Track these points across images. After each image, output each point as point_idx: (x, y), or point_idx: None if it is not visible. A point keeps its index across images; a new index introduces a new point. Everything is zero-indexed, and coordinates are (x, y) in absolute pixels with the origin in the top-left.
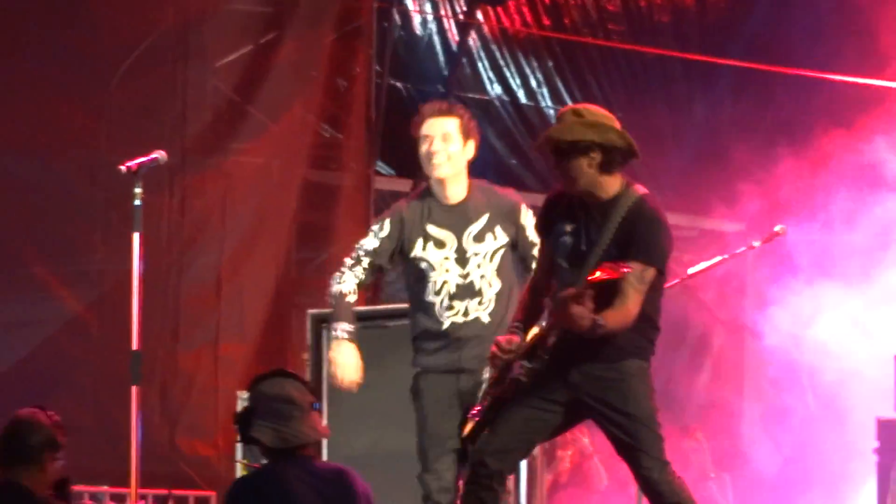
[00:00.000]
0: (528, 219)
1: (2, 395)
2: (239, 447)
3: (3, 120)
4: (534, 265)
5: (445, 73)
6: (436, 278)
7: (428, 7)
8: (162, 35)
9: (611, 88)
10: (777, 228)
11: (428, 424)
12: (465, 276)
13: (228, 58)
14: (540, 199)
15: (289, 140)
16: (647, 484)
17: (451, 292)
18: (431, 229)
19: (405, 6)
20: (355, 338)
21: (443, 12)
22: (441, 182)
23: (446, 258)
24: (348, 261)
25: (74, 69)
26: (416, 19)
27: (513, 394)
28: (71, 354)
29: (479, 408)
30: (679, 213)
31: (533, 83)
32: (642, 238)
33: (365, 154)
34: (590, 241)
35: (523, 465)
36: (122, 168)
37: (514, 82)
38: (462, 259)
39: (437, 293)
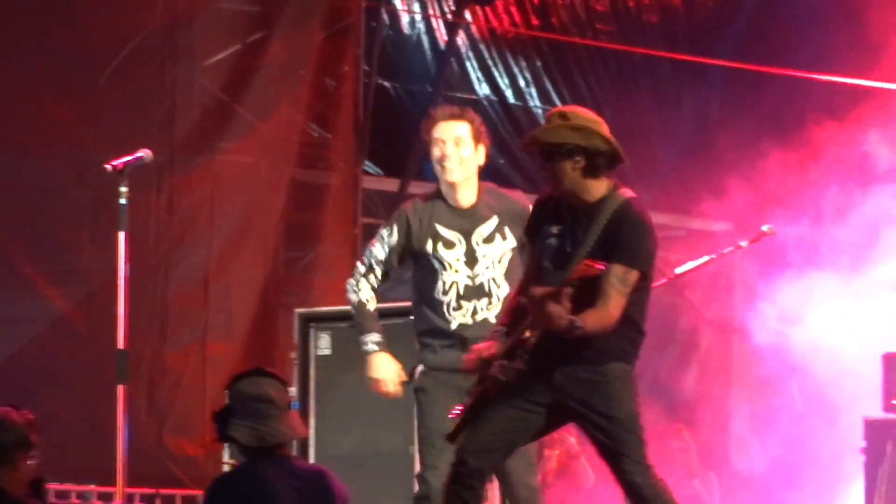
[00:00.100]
0: None
1: None
2: (226, 447)
3: None
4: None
5: (434, 72)
6: (445, 278)
7: (416, 6)
8: (150, 34)
9: (599, 88)
10: (765, 228)
11: (431, 422)
12: (473, 278)
13: (216, 57)
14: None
15: (277, 139)
16: (629, 488)
17: (460, 292)
18: (441, 230)
19: (393, 5)
20: (386, 346)
21: (431, 12)
22: (453, 186)
23: (457, 259)
24: (361, 268)
25: (62, 68)
26: (405, 19)
27: (493, 393)
28: (58, 353)
29: (461, 407)
30: (667, 213)
31: (521, 83)
32: (626, 240)
33: (353, 153)
34: (575, 244)
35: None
36: (108, 167)
37: (503, 82)
38: (471, 260)
39: (446, 293)
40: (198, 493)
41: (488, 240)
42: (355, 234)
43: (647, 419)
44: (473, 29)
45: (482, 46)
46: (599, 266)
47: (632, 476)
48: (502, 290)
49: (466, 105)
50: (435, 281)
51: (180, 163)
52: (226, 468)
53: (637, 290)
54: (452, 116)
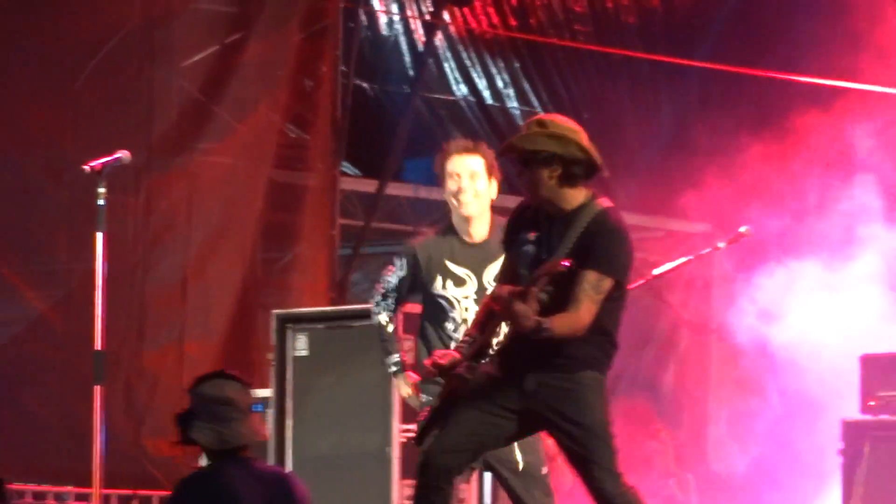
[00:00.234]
0: None
1: None
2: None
3: None
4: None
5: (412, 73)
6: (455, 315)
7: (394, 7)
8: (127, 35)
9: (577, 89)
10: (742, 229)
11: None
12: None
13: (194, 58)
14: (506, 200)
15: (254, 140)
16: (599, 496)
17: None
18: (452, 266)
19: (371, 6)
20: (404, 367)
21: (409, 13)
22: (467, 220)
23: (466, 296)
24: (378, 293)
25: (40, 69)
26: (383, 20)
27: (459, 393)
28: (36, 354)
29: (427, 410)
30: (646, 214)
31: (499, 84)
32: (602, 248)
33: (330, 154)
34: (550, 251)
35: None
36: (86, 168)
37: (480, 83)
38: (482, 298)
39: (456, 330)
40: None
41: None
42: (333, 235)
43: (625, 420)
44: (451, 30)
45: (460, 47)
46: (565, 262)
47: (602, 484)
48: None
49: (444, 106)
50: (445, 319)
51: (158, 164)
52: None
53: (611, 299)
54: (466, 150)
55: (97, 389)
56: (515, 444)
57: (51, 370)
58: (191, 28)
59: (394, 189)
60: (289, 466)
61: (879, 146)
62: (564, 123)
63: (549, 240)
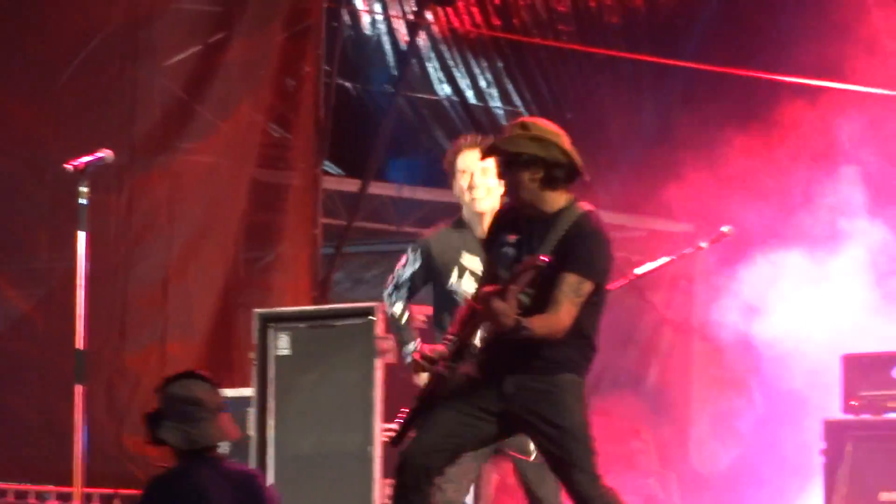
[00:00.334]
0: None
1: None
2: None
3: None
4: None
5: (395, 73)
6: None
7: (377, 7)
8: (110, 34)
9: (560, 89)
10: (724, 229)
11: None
12: None
13: (177, 57)
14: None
15: (237, 139)
16: (578, 498)
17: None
18: (467, 260)
19: (354, 6)
20: None
21: (392, 12)
22: (480, 216)
23: None
24: (392, 284)
25: (22, 68)
26: (366, 19)
27: (439, 393)
28: (18, 353)
29: (406, 410)
30: (628, 213)
31: (482, 84)
32: (582, 252)
33: (313, 154)
34: (531, 254)
35: None
36: (69, 167)
37: (464, 82)
38: None
39: None
40: None
41: None
42: (315, 234)
43: (607, 420)
44: (434, 29)
45: (443, 47)
46: (544, 258)
47: (581, 486)
48: None
49: (427, 106)
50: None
51: (141, 163)
52: None
53: (590, 302)
54: (477, 146)
55: (78, 389)
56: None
57: (33, 369)
58: (173, 27)
59: (376, 188)
60: (270, 466)
61: (864, 140)
62: (547, 127)
63: (529, 242)
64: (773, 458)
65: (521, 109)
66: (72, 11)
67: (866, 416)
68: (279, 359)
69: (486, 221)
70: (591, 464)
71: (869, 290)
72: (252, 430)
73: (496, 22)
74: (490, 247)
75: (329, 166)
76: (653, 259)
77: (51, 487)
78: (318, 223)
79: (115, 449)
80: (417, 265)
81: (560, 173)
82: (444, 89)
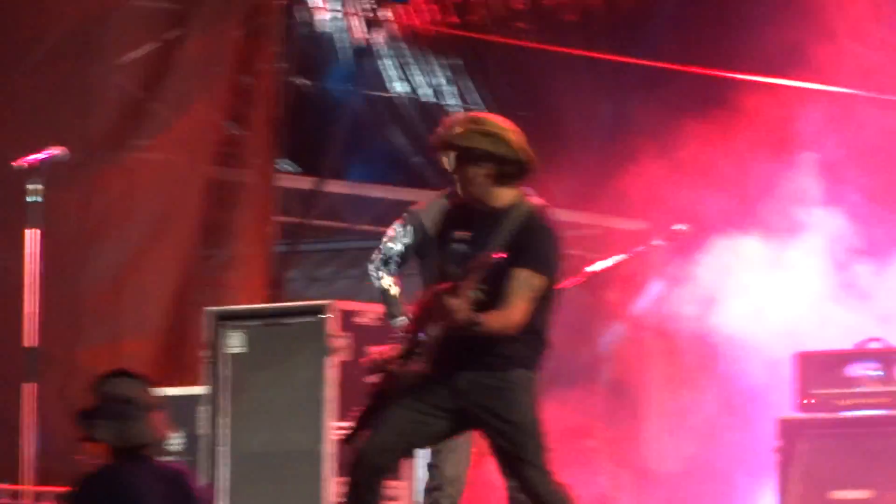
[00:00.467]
0: None
1: None
2: None
3: None
4: None
5: (351, 70)
6: None
7: (334, 4)
8: (65, 31)
9: (517, 87)
10: (678, 227)
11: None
12: None
13: (133, 54)
14: None
15: (192, 137)
16: (530, 494)
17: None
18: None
19: (311, 3)
20: None
21: (349, 9)
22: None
23: None
24: (379, 258)
25: None
26: (323, 16)
27: (392, 392)
28: None
29: (360, 409)
30: (584, 212)
31: (439, 81)
32: (533, 247)
33: (269, 151)
34: (482, 249)
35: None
36: (23, 164)
37: (420, 80)
38: None
39: None
40: None
41: None
42: (270, 232)
43: (560, 417)
44: (391, 27)
45: (400, 44)
46: (497, 256)
47: (532, 482)
48: None
49: (383, 103)
50: None
51: (96, 160)
52: None
53: (542, 297)
54: None
55: (29, 387)
56: None
57: None
58: (129, 24)
59: (332, 186)
60: (222, 463)
61: (824, 128)
62: (499, 122)
63: (480, 238)
64: (727, 456)
65: (478, 107)
66: (26, 9)
67: (820, 415)
68: (233, 356)
69: None
70: (542, 459)
71: (827, 282)
72: (204, 428)
73: (453, 19)
74: (440, 242)
75: (285, 164)
76: (608, 257)
77: (3, 486)
78: (273, 221)
79: (68, 446)
80: (410, 239)
81: (511, 169)
82: (401, 87)
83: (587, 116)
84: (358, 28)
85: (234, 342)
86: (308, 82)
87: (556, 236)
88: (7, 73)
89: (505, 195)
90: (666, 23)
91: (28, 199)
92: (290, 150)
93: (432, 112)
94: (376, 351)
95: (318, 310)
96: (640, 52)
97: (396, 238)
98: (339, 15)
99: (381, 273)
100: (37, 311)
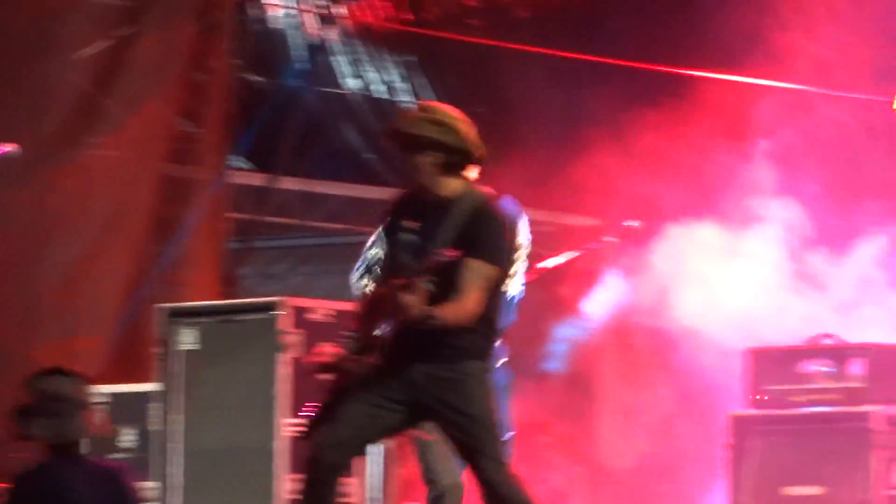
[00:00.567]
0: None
1: None
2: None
3: None
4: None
5: (305, 66)
6: None
7: (288, 0)
8: (19, 27)
9: (470, 83)
10: (630, 223)
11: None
12: None
13: (86, 51)
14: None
15: (146, 134)
16: (485, 485)
17: None
18: None
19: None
20: None
21: (303, 6)
22: None
23: None
24: (362, 266)
25: None
26: (276, 13)
27: (347, 388)
28: None
29: (314, 404)
30: (538, 209)
31: (392, 78)
32: (484, 237)
33: (222, 148)
34: (432, 239)
35: (376, 459)
36: None
37: (374, 77)
38: None
39: None
40: None
41: None
42: (223, 228)
43: (514, 414)
44: (345, 23)
45: (353, 41)
46: (451, 254)
47: (487, 473)
48: None
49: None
50: None
51: (49, 158)
52: None
53: (493, 287)
54: None
55: None
56: None
57: None
58: (83, 21)
59: (285, 183)
60: (175, 460)
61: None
62: (450, 112)
63: (429, 229)
64: (680, 453)
65: None
66: None
67: (772, 411)
68: (186, 353)
69: None
70: (498, 451)
71: (783, 274)
72: (157, 425)
73: (406, 16)
74: (390, 233)
75: (238, 161)
76: (560, 253)
77: None
78: (226, 218)
79: (22, 444)
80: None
81: (460, 159)
82: (354, 83)
83: (541, 113)
84: (311, 24)
85: (187, 339)
86: (261, 79)
87: (505, 225)
88: None
89: (453, 185)
90: (621, 16)
91: None
92: (243, 146)
93: (386, 109)
94: (326, 348)
95: (271, 306)
96: (595, 47)
97: (376, 243)
98: (293, 11)
99: (364, 281)
100: None
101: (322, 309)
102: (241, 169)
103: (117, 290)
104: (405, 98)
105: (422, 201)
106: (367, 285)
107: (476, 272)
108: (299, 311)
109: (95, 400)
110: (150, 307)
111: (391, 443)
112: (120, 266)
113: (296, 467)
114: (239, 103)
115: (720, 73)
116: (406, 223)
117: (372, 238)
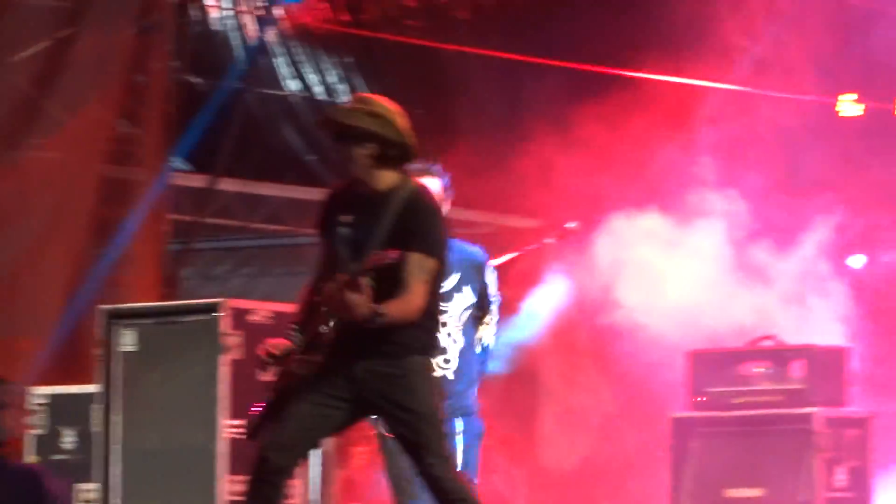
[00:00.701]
0: (491, 277)
1: None
2: (34, 441)
3: None
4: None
5: (244, 68)
6: None
7: (226, 2)
8: None
9: (409, 84)
10: (569, 225)
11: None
12: None
13: (26, 52)
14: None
15: (85, 135)
16: (430, 480)
17: None
18: None
19: (203, 1)
20: None
21: (241, 7)
22: None
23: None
24: None
25: None
26: (215, 14)
27: (292, 388)
28: None
29: (260, 404)
30: (477, 210)
31: (331, 79)
32: (420, 229)
33: (162, 150)
34: (368, 233)
35: (317, 461)
36: None
37: (312, 78)
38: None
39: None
40: None
41: (448, 297)
42: (163, 230)
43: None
44: (284, 25)
45: (292, 42)
46: (393, 254)
47: (432, 468)
48: (458, 346)
49: (276, 101)
50: None
51: None
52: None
53: (434, 280)
54: (421, 173)
55: None
56: None
57: None
58: (21, 22)
59: (225, 184)
60: (116, 461)
61: (723, 108)
62: (386, 104)
63: (364, 223)
64: (622, 455)
65: None
66: None
67: (713, 413)
68: (126, 355)
69: None
70: (441, 446)
71: (726, 269)
72: (97, 426)
73: (345, 17)
74: (327, 226)
75: (178, 162)
76: (500, 255)
77: None
78: (166, 219)
79: None
80: None
81: (394, 152)
82: (293, 84)
83: (480, 113)
84: (251, 26)
85: (127, 340)
86: (201, 80)
87: (440, 216)
88: None
89: (387, 177)
90: (561, 15)
91: None
92: (183, 148)
93: (325, 110)
94: (271, 344)
95: (211, 308)
96: (535, 47)
97: None
98: (232, 13)
99: None
100: None
101: (262, 311)
102: (181, 170)
103: (57, 291)
104: (344, 99)
105: (356, 194)
106: None
107: (418, 266)
108: (240, 313)
109: (26, 401)
110: (91, 308)
111: (331, 445)
112: (60, 267)
113: (237, 468)
114: (179, 105)
115: (660, 73)
116: (341, 217)
117: None
